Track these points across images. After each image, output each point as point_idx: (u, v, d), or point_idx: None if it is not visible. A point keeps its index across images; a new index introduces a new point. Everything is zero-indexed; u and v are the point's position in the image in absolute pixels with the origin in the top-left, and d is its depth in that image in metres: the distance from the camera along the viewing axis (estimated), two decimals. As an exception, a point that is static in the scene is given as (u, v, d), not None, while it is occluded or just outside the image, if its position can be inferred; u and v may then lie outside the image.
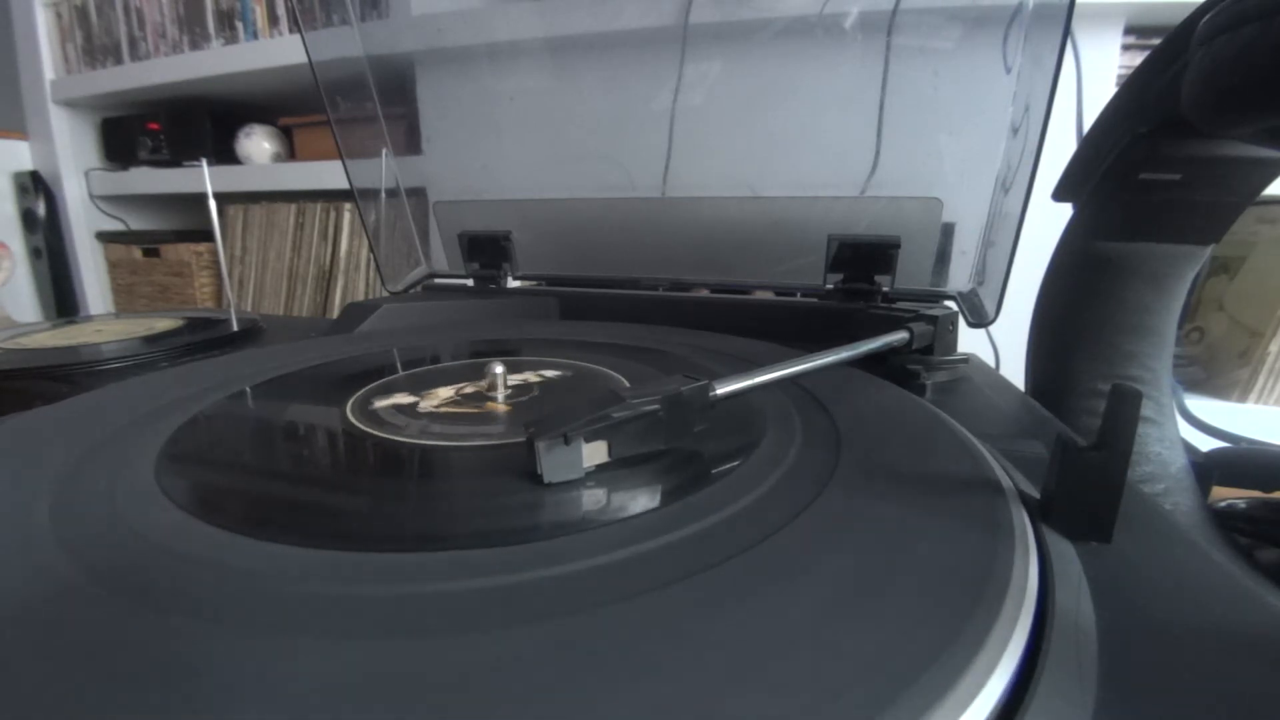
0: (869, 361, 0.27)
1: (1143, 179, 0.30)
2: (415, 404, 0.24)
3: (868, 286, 0.40)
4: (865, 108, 0.42)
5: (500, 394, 0.25)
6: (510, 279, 0.52)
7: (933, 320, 0.32)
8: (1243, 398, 0.70)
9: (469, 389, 0.26)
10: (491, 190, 0.53)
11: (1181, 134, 0.28)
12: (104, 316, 0.53)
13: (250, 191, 1.15)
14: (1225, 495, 0.32)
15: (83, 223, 1.34)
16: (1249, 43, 0.22)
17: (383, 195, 0.54)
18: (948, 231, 0.40)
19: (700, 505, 0.15)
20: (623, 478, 0.17)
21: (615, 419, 0.17)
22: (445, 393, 0.25)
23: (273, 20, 1.08)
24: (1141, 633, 0.12)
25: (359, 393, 0.25)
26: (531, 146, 0.54)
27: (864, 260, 0.40)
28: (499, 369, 0.25)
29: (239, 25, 1.10)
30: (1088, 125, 0.34)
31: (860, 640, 0.11)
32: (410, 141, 0.55)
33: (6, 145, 1.30)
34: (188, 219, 1.43)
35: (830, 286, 0.42)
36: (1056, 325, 0.34)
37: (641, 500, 0.16)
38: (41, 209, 1.32)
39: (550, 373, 0.28)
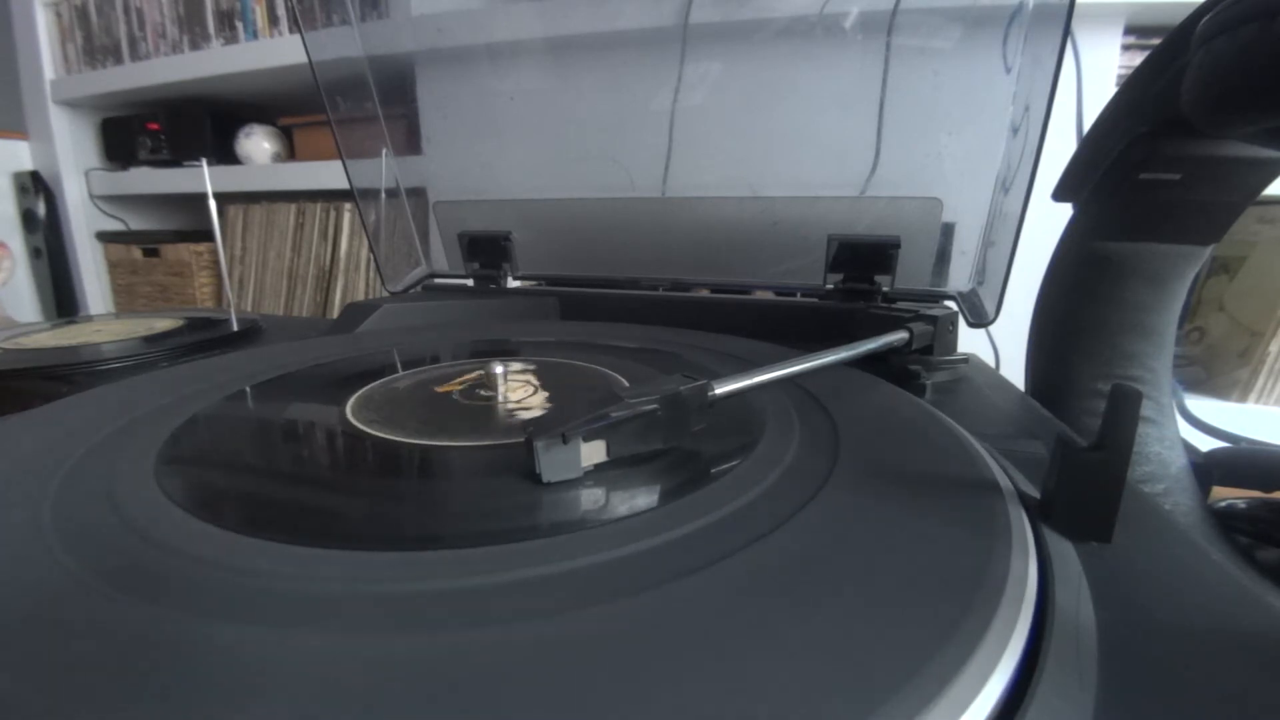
0: (869, 361, 0.27)
1: (1143, 179, 0.30)
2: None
3: (868, 286, 0.40)
4: (865, 108, 0.42)
5: (500, 394, 0.25)
6: (510, 279, 0.52)
7: (932, 320, 0.32)
8: (1243, 398, 0.70)
9: (468, 388, 0.26)
10: (491, 190, 0.53)
11: (1181, 134, 0.28)
12: (104, 316, 0.53)
13: (250, 191, 1.15)
14: (1225, 495, 0.32)
15: (83, 223, 1.34)
16: (1249, 43, 0.22)
17: (383, 195, 0.54)
18: (948, 231, 0.40)
19: (698, 504, 0.15)
20: (621, 477, 0.17)
21: (613, 419, 0.17)
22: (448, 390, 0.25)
23: (273, 20, 1.08)
24: (1141, 633, 0.12)
25: (359, 392, 0.25)
26: (531, 146, 0.53)
27: (864, 260, 0.40)
28: (499, 369, 0.25)
29: (239, 25, 1.10)
30: (1088, 125, 0.34)
31: (858, 640, 0.11)
32: (410, 141, 0.55)
33: (6, 145, 1.31)
34: (188, 219, 1.43)
35: (830, 286, 0.42)
36: (1056, 325, 0.34)
37: (640, 499, 0.16)
38: (41, 209, 1.32)
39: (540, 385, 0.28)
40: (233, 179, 1.14)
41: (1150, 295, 0.31)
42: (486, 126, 0.54)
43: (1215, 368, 0.73)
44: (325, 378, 0.29)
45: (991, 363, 0.37)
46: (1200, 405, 0.42)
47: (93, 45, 1.26)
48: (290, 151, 1.19)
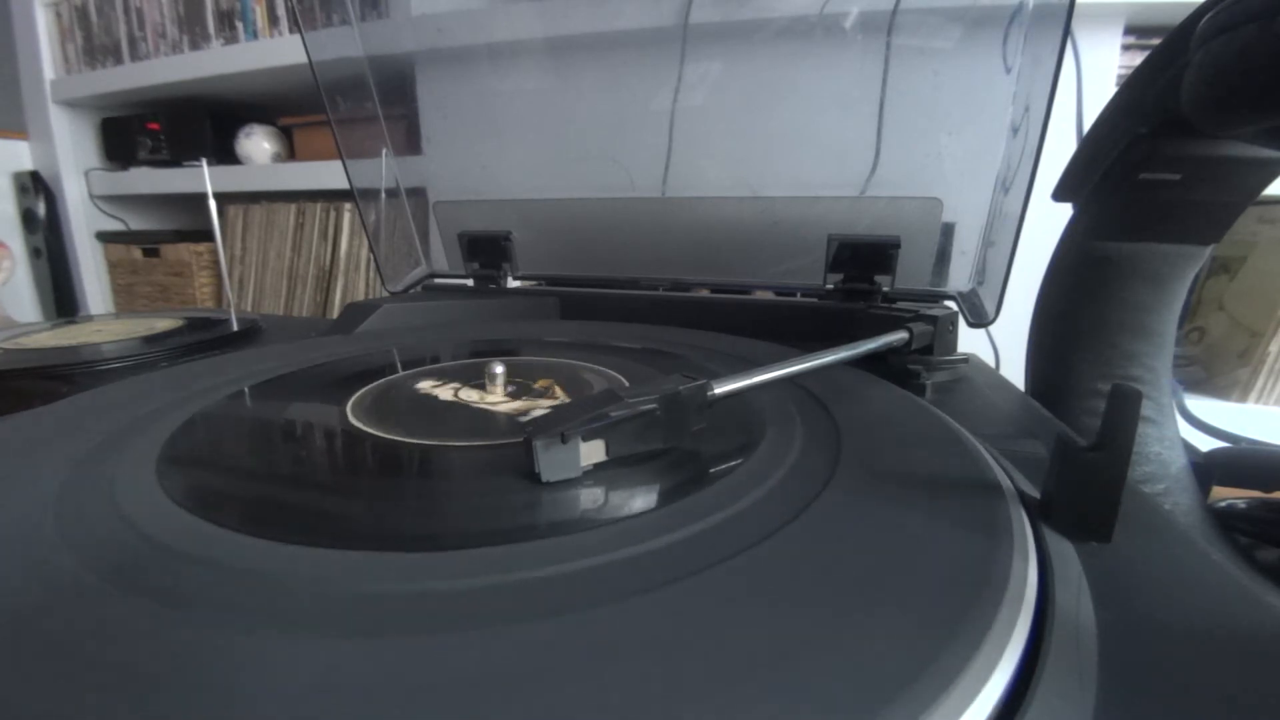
0: (869, 361, 0.27)
1: (1143, 179, 0.30)
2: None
3: (868, 286, 0.40)
4: (865, 108, 0.42)
5: (500, 394, 0.25)
6: (510, 279, 0.52)
7: (932, 320, 0.32)
8: (1243, 398, 0.70)
9: (468, 388, 0.26)
10: (491, 190, 0.53)
11: (1181, 134, 0.28)
12: (104, 316, 0.53)
13: (250, 191, 1.15)
14: (1225, 495, 0.32)
15: (83, 223, 1.34)
16: (1249, 43, 0.22)
17: (383, 195, 0.54)
18: (948, 231, 0.40)
19: (699, 505, 0.15)
20: (621, 477, 0.17)
21: (613, 418, 0.17)
22: (444, 393, 0.25)
23: (273, 20, 1.08)
24: (1141, 633, 0.12)
25: (359, 392, 0.25)
26: (531, 146, 0.53)
27: (864, 260, 0.40)
28: (499, 369, 0.25)
29: (239, 25, 1.10)
30: (1088, 125, 0.34)
31: (860, 640, 0.11)
32: (410, 141, 0.55)
33: (6, 145, 1.30)
34: (188, 219, 1.43)
35: (830, 286, 0.42)
36: (1056, 325, 0.34)
37: (640, 500, 0.16)
38: (41, 209, 1.32)
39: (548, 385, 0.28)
40: (233, 179, 1.14)
41: (1150, 295, 0.31)
42: (486, 126, 0.54)
43: (1215, 368, 0.73)
44: (325, 378, 0.29)
45: (991, 363, 0.37)
46: (1200, 405, 0.42)
47: (93, 45, 1.26)
48: (290, 151, 1.19)
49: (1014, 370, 0.36)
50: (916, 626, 0.11)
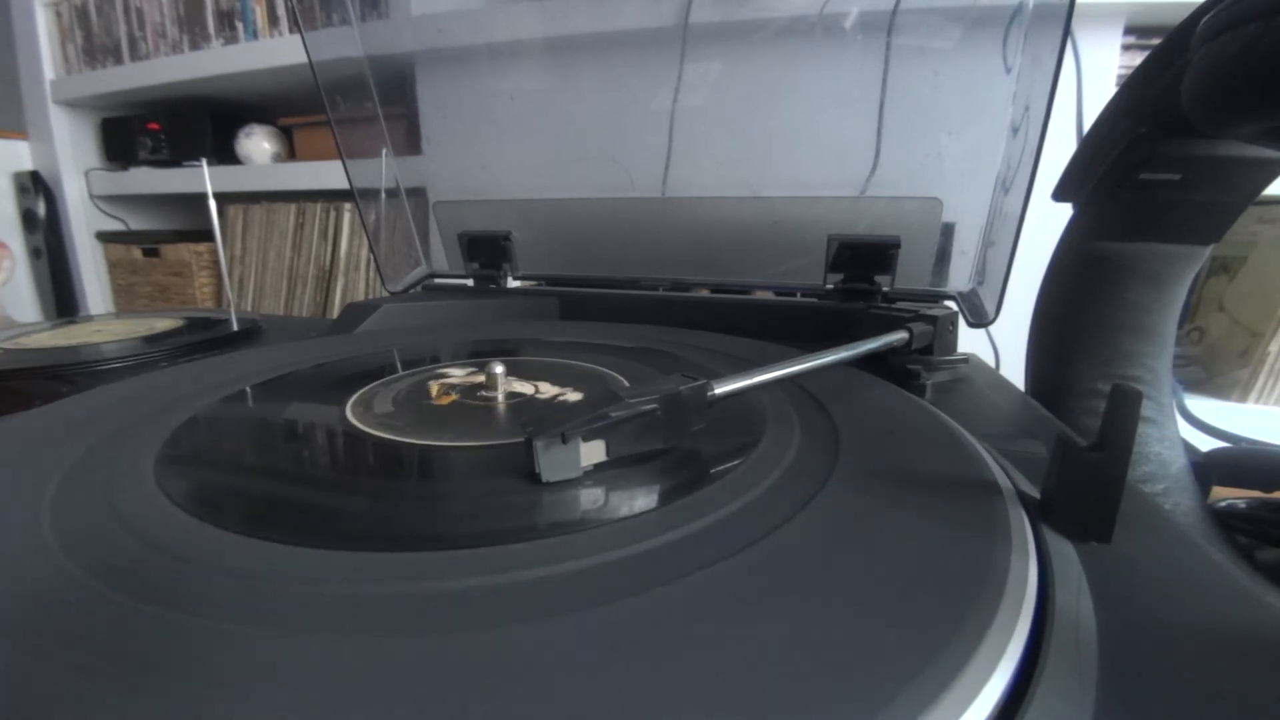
0: (869, 361, 0.27)
1: (1143, 179, 0.30)
2: (415, 399, 0.24)
3: (868, 286, 0.40)
4: (865, 108, 0.42)
5: (500, 394, 0.25)
6: (510, 279, 0.52)
7: (932, 320, 0.32)
8: (1243, 398, 0.70)
9: (468, 388, 0.26)
10: (491, 190, 0.53)
11: (1181, 134, 0.28)
12: (104, 316, 0.53)
13: (250, 191, 1.15)
14: (1225, 495, 0.32)
15: (83, 223, 1.34)
16: (1249, 42, 0.22)
17: (383, 195, 0.54)
18: (948, 231, 0.40)
19: (698, 504, 0.15)
20: (621, 477, 0.17)
21: (613, 418, 0.17)
22: (443, 388, 0.25)
23: (273, 20, 1.08)
24: (1141, 633, 0.12)
25: (359, 392, 0.25)
26: (531, 146, 0.53)
27: (864, 260, 0.40)
28: (499, 369, 0.25)
29: (239, 25, 1.10)
30: (1088, 125, 0.34)
31: (860, 640, 0.10)
32: (410, 141, 0.55)
33: (6, 145, 1.30)
34: (188, 219, 1.43)
35: (830, 286, 0.42)
36: (1056, 325, 0.34)
37: (640, 499, 0.16)
38: (41, 209, 1.32)
39: (549, 386, 0.28)
40: (233, 179, 1.14)
41: (1150, 295, 0.31)
42: (486, 126, 0.54)
43: (1215, 368, 0.73)
44: (325, 378, 0.29)
45: (991, 363, 0.37)
46: (1200, 405, 0.42)
47: (93, 45, 1.26)
48: (290, 151, 1.19)
49: (1014, 370, 0.36)
50: (916, 626, 0.11)
